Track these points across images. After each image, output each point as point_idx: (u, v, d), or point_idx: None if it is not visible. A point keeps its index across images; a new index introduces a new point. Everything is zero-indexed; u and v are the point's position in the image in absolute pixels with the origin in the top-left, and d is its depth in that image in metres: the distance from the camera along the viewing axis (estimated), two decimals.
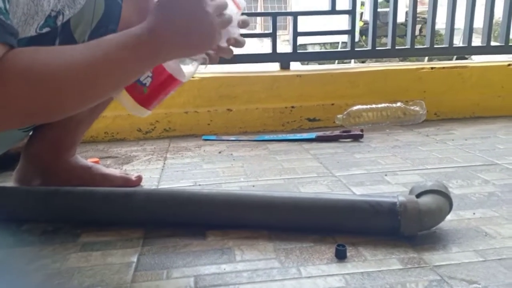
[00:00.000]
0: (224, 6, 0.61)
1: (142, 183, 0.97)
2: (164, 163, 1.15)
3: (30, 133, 0.87)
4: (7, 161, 0.98)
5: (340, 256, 0.63)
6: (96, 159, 1.14)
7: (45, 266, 0.64)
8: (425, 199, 0.69)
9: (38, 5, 0.61)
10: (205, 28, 0.58)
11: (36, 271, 0.62)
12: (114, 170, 0.98)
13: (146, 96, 0.69)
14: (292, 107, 1.53)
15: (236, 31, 0.67)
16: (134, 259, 0.65)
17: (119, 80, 0.59)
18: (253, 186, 0.95)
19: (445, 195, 0.70)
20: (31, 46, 0.63)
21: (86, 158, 1.12)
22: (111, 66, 0.56)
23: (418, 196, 0.70)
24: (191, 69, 0.69)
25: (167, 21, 0.57)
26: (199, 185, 0.97)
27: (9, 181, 0.95)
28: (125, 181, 0.94)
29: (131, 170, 1.09)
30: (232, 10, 0.63)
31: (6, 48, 0.52)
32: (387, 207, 0.68)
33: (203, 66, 0.69)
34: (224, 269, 0.61)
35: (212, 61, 0.69)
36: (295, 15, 1.59)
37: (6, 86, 0.50)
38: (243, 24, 0.67)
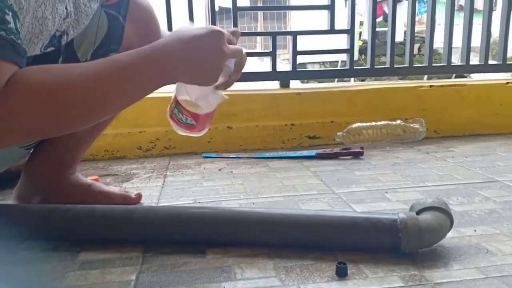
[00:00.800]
0: (239, 54, 0.66)
1: (142, 201, 0.97)
2: (164, 181, 1.15)
3: (31, 151, 0.87)
4: (8, 179, 0.98)
5: (341, 273, 0.63)
6: (96, 177, 1.14)
7: (44, 284, 0.63)
8: (426, 216, 0.69)
9: (43, 25, 0.62)
10: (216, 67, 0.63)
11: None
12: (114, 188, 0.98)
13: (199, 128, 0.77)
14: (292, 124, 1.54)
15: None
16: (133, 277, 0.64)
17: (125, 98, 0.61)
18: (253, 203, 0.95)
19: (445, 212, 0.70)
20: (35, 61, 0.65)
21: (86, 176, 1.12)
22: (119, 83, 0.58)
23: (418, 213, 0.70)
24: (217, 98, 0.75)
25: (181, 49, 0.61)
26: (199, 202, 0.97)
27: (9, 199, 0.95)
28: (125, 199, 0.94)
29: (131, 188, 1.09)
30: None
31: (15, 67, 0.53)
32: (387, 224, 0.68)
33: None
34: (224, 287, 0.61)
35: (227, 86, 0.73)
36: (294, 34, 1.62)
37: (14, 104, 0.52)
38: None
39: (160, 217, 0.76)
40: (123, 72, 0.58)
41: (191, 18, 1.50)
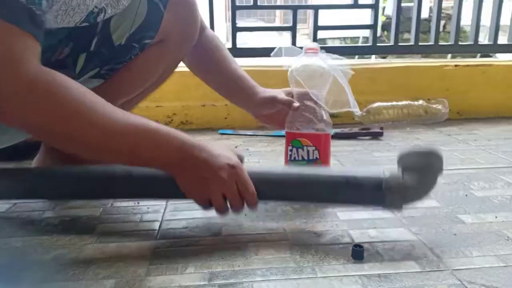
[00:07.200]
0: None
1: None
2: None
3: None
4: (27, 150, 0.99)
5: (357, 257, 0.62)
6: None
7: (61, 256, 0.64)
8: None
9: None
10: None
11: (52, 261, 0.63)
12: None
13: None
14: None
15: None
16: (149, 252, 0.65)
17: (121, 159, 0.65)
18: None
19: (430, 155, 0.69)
20: (70, 37, 0.65)
21: None
22: (124, 152, 0.62)
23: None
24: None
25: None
26: None
27: None
28: None
29: None
30: None
31: (32, 39, 0.54)
32: (372, 180, 0.67)
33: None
34: (238, 266, 0.61)
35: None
36: (316, 8, 1.57)
37: (34, 101, 0.54)
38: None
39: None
40: (134, 149, 0.62)
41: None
